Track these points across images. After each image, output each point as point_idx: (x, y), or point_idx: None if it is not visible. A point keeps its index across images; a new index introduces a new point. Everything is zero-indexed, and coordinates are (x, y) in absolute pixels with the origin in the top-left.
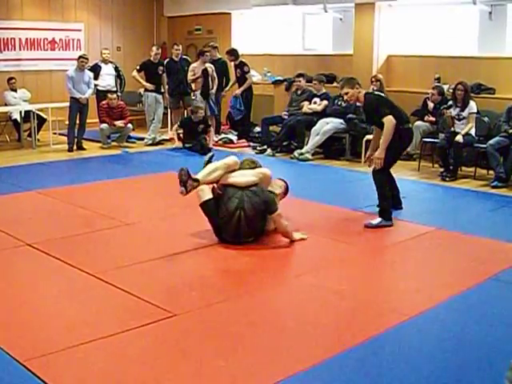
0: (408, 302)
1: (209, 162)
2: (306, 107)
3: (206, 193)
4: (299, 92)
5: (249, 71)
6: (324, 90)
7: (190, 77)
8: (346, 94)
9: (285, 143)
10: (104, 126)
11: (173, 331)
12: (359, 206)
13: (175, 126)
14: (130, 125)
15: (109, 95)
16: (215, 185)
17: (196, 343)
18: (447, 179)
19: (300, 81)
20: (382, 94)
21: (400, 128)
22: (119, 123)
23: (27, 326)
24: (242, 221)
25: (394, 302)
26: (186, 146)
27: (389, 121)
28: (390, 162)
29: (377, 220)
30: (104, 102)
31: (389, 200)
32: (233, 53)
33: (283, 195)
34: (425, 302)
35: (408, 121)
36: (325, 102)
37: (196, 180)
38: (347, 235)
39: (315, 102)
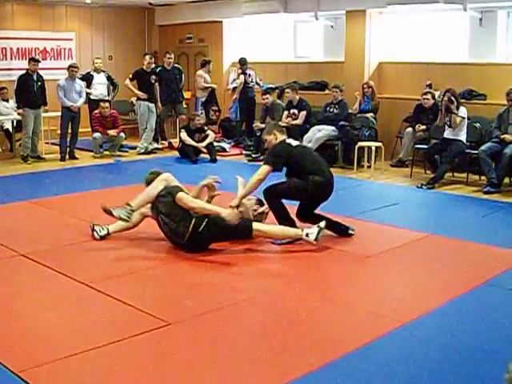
0: (402, 308)
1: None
2: (284, 121)
3: None
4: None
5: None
6: (297, 98)
7: (202, 83)
8: (265, 140)
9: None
10: (97, 135)
11: (167, 340)
12: (352, 213)
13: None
14: (122, 134)
15: (101, 104)
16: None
17: (190, 352)
18: (424, 187)
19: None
20: (295, 144)
21: (307, 181)
22: (112, 132)
23: (22, 337)
24: (165, 221)
25: (387, 309)
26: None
27: (260, 169)
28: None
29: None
30: (97, 111)
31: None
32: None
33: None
34: (419, 308)
35: (317, 173)
36: (303, 113)
37: (129, 205)
38: (340, 242)
39: (294, 114)
